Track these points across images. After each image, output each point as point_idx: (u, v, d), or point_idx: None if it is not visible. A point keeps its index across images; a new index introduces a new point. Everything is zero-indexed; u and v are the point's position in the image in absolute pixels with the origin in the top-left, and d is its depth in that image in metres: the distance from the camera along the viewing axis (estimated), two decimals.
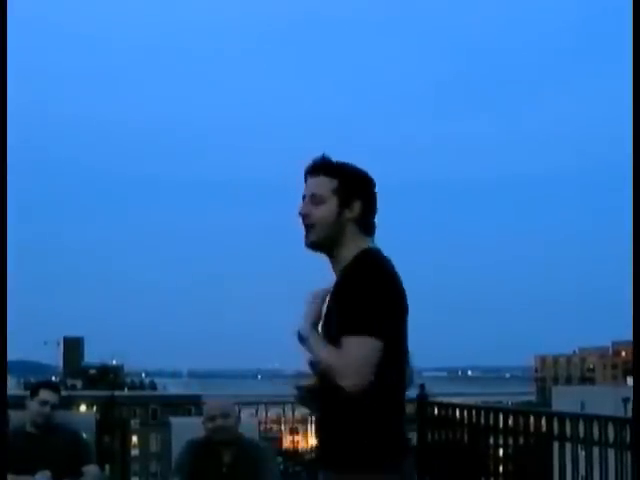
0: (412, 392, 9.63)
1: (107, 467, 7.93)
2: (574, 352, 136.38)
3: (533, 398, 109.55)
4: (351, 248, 3.13)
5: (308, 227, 3.17)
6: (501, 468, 8.46)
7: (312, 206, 3.16)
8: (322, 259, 3.24)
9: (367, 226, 3.18)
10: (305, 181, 3.22)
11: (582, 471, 7.12)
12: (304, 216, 3.17)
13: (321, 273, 3.26)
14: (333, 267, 3.19)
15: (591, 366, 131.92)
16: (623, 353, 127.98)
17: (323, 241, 3.17)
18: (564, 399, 48.55)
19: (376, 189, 3.22)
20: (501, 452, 8.28)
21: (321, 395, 3.08)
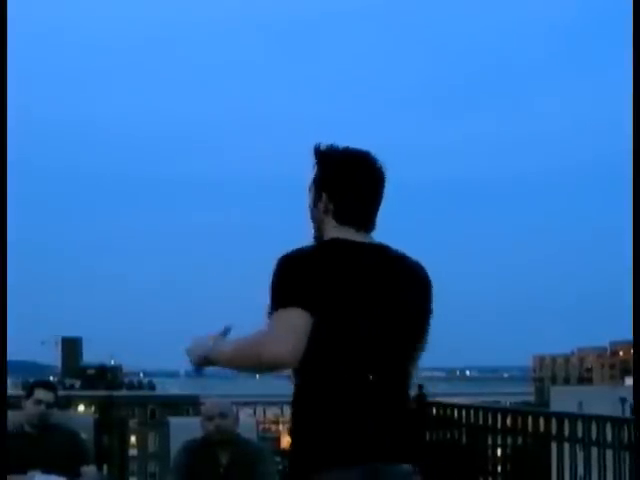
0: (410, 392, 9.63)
1: (105, 467, 7.94)
2: (572, 352, 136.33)
3: (531, 398, 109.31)
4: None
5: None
6: (499, 468, 8.47)
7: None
8: None
9: (345, 216, 2.96)
10: None
11: (580, 471, 7.12)
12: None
13: None
14: None
15: (589, 366, 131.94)
16: (621, 353, 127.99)
17: (317, 235, 3.03)
18: (562, 399, 48.59)
19: (363, 174, 2.97)
20: (499, 452, 8.28)
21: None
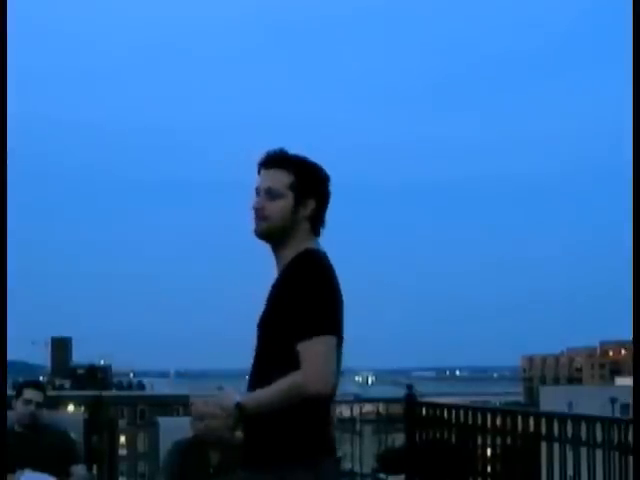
0: (400, 392, 9.63)
1: (95, 467, 7.93)
2: (562, 352, 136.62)
3: (521, 398, 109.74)
4: (297, 247, 3.07)
5: (261, 218, 3.09)
6: (489, 468, 8.47)
7: (268, 200, 3.09)
8: None
9: (317, 224, 3.13)
10: (258, 173, 3.14)
11: (570, 471, 7.13)
12: (259, 210, 3.09)
13: None
14: (277, 263, 3.13)
15: (579, 366, 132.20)
16: (610, 353, 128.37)
17: (274, 234, 3.10)
18: (552, 399, 48.73)
19: (330, 187, 3.16)
20: (489, 452, 8.29)
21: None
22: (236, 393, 3.00)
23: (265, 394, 2.94)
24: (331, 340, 2.91)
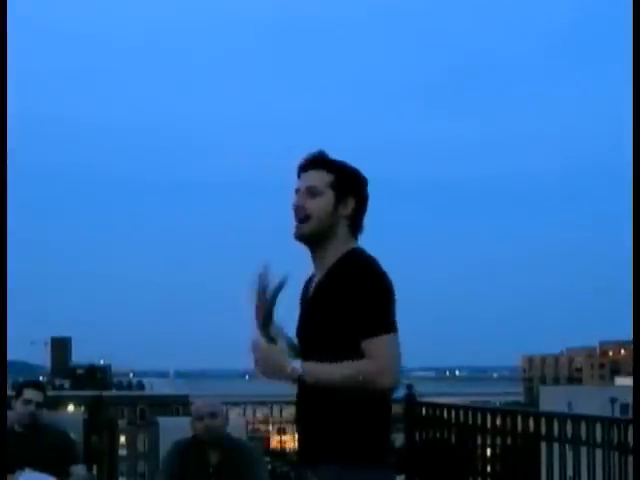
0: (399, 392, 9.62)
1: (95, 467, 7.93)
2: (561, 352, 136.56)
3: (521, 398, 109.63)
4: (339, 247, 3.11)
5: (302, 219, 3.12)
6: (489, 468, 8.46)
7: (308, 198, 3.12)
8: (306, 259, 3.21)
9: (357, 226, 3.17)
10: (299, 176, 3.19)
11: (570, 471, 7.12)
12: (299, 208, 3.13)
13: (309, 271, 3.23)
14: (316, 265, 3.17)
15: (578, 366, 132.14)
16: (610, 353, 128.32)
17: (316, 234, 3.13)
18: (551, 399, 48.63)
19: (368, 191, 3.20)
20: (489, 452, 8.28)
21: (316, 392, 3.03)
22: (301, 364, 3.00)
23: (328, 373, 2.96)
24: (396, 338, 2.98)
